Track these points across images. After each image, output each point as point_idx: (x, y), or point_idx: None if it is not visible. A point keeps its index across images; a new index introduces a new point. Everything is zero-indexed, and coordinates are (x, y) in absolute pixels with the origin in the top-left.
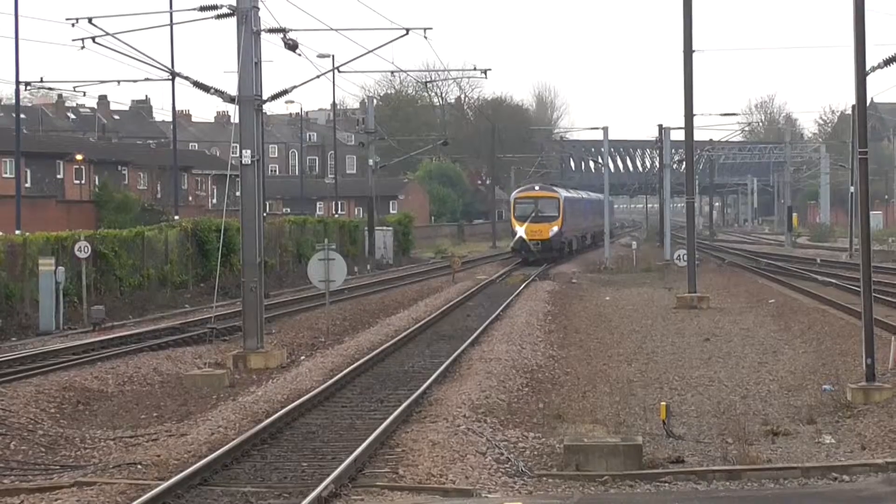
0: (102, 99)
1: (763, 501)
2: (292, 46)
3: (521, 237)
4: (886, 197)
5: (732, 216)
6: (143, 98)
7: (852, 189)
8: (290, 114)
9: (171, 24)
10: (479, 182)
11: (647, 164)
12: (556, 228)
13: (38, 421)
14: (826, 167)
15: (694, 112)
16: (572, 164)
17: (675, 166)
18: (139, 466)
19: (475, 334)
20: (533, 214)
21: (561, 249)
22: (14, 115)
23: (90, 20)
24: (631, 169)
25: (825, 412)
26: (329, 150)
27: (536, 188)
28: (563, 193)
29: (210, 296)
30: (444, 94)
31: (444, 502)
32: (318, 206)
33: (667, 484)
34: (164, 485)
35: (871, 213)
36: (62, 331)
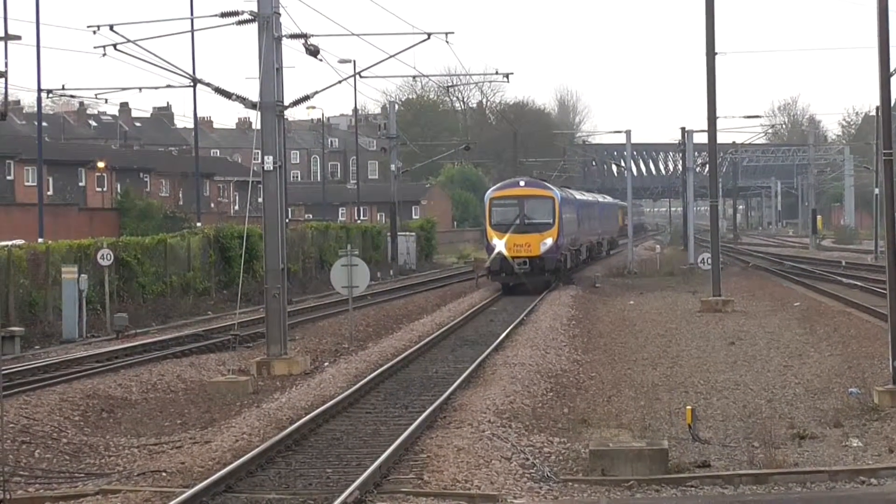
0: (124, 106)
1: None
2: (314, 52)
3: (500, 254)
4: None
5: (756, 219)
6: (165, 105)
7: (877, 191)
8: (312, 119)
9: (193, 31)
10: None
11: (671, 167)
12: (549, 241)
13: (63, 429)
14: (850, 169)
15: (717, 115)
16: (595, 168)
17: (698, 169)
18: (164, 474)
19: (499, 339)
20: (517, 221)
21: (557, 270)
22: (36, 122)
23: (111, 27)
24: (654, 172)
25: (852, 415)
26: (351, 155)
27: (522, 183)
28: (558, 192)
29: (233, 302)
30: (465, 99)
31: None
32: (340, 211)
33: (693, 488)
34: (189, 492)
35: None
36: (85, 339)
